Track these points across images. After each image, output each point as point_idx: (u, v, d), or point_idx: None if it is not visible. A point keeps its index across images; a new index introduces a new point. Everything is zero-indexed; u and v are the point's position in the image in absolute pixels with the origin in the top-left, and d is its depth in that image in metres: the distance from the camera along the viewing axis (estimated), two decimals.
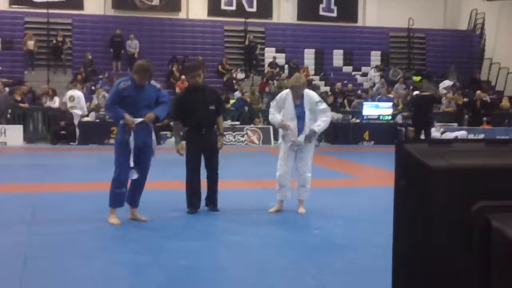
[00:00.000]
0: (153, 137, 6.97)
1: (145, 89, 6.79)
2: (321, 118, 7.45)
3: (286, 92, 7.64)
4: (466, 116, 20.38)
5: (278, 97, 7.68)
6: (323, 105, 7.57)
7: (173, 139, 18.47)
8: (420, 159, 1.38)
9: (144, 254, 5.54)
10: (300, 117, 7.48)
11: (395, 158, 1.45)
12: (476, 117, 20.58)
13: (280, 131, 7.74)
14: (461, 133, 18.75)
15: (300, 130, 7.47)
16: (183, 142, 7.66)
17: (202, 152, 7.58)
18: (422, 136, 15.34)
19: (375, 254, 5.55)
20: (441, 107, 21.14)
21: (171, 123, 18.16)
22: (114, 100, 6.74)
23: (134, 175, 6.73)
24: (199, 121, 7.51)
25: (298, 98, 7.47)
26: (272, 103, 7.74)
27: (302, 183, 7.55)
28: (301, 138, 7.45)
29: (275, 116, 7.58)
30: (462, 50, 27.17)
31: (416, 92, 20.60)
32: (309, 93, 7.59)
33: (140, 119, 6.70)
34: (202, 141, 7.51)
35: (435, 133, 17.91)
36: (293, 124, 7.47)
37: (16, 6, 24.00)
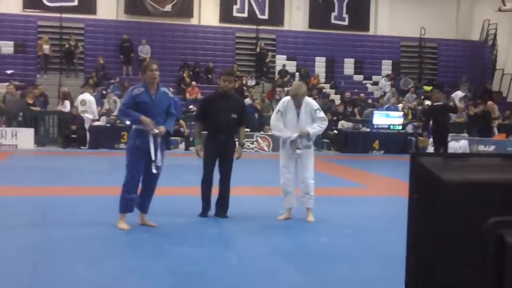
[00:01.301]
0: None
1: (158, 95, 6.83)
2: (318, 124, 7.53)
3: (287, 100, 7.66)
4: (495, 127, 20.17)
5: (280, 106, 7.65)
6: (322, 114, 7.66)
7: (182, 145, 18.62)
8: (434, 173, 1.38)
9: (153, 259, 5.55)
10: (302, 125, 7.51)
11: (409, 170, 1.45)
12: (487, 128, 20.51)
13: (280, 139, 7.74)
14: (463, 144, 18.51)
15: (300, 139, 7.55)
16: (201, 145, 7.73)
17: (217, 157, 7.63)
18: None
19: (382, 264, 5.54)
20: (451, 117, 21.10)
21: (181, 129, 18.34)
22: (128, 106, 6.77)
23: (154, 169, 6.76)
24: (217, 127, 7.56)
25: (299, 106, 7.51)
26: (277, 116, 7.65)
27: (306, 190, 7.55)
28: (300, 141, 7.51)
29: (283, 130, 7.56)
30: (474, 60, 27.10)
31: (427, 102, 20.54)
32: (308, 101, 7.64)
33: (156, 130, 6.73)
34: (219, 147, 7.56)
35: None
36: (295, 132, 7.50)
37: (29, 10, 24.17)
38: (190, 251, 5.88)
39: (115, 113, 18.45)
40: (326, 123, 7.72)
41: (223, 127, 7.57)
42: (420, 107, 22.00)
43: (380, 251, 6.06)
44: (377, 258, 5.78)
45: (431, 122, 15.47)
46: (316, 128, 7.56)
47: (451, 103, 18.51)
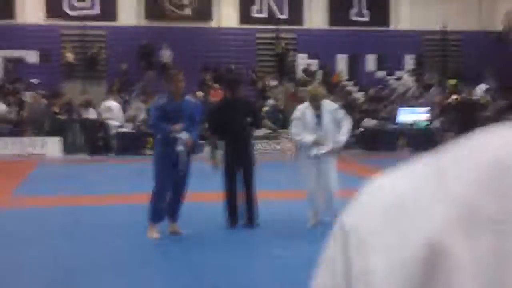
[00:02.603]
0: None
1: (183, 104, 6.88)
2: (344, 127, 7.37)
3: (304, 105, 7.53)
4: None
5: (299, 113, 7.49)
6: (342, 112, 7.57)
7: (208, 149, 18.59)
8: None
9: (182, 269, 5.57)
10: (322, 128, 7.35)
11: None
12: None
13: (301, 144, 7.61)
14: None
15: (322, 141, 7.32)
16: (220, 155, 7.62)
17: (239, 165, 7.53)
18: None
19: None
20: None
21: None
22: (157, 117, 6.82)
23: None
24: (235, 134, 7.45)
25: (318, 109, 7.38)
26: (296, 122, 7.48)
27: (328, 199, 7.35)
28: (324, 150, 7.29)
29: (304, 136, 7.35)
30: (498, 51, 26.66)
31: (454, 97, 20.29)
32: (326, 102, 7.55)
33: (184, 137, 6.77)
34: (239, 155, 7.47)
35: None
36: (315, 137, 7.32)
37: (52, 19, 24.41)
38: (220, 260, 5.88)
39: (140, 118, 18.57)
40: (349, 120, 7.62)
41: (240, 133, 7.46)
42: (445, 102, 21.73)
43: None
44: None
45: (458, 117, 15.24)
46: (345, 133, 7.43)
47: (480, 99, 18.18)
